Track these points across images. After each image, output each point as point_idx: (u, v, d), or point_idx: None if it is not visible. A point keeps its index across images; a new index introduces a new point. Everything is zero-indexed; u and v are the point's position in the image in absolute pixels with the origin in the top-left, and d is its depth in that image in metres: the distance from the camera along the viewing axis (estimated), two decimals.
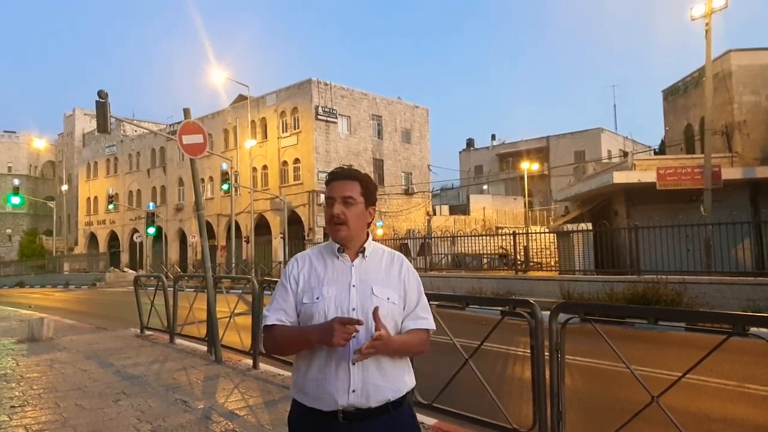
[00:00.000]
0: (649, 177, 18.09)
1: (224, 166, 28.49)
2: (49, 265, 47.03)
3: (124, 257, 46.73)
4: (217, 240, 37.30)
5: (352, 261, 1.86)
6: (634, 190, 19.17)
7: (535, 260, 17.91)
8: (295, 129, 33.91)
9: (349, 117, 34.86)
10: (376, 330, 1.67)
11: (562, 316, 3.59)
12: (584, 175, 25.70)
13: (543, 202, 42.65)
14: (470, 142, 53.38)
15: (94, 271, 40.10)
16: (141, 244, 39.32)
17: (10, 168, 65.18)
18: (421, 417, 3.99)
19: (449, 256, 20.73)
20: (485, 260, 20.22)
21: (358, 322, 1.66)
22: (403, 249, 21.69)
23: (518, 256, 17.46)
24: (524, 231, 20.29)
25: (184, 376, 6.10)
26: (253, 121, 35.26)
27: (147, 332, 9.19)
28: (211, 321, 7.00)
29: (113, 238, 49.04)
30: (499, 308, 4.49)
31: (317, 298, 1.80)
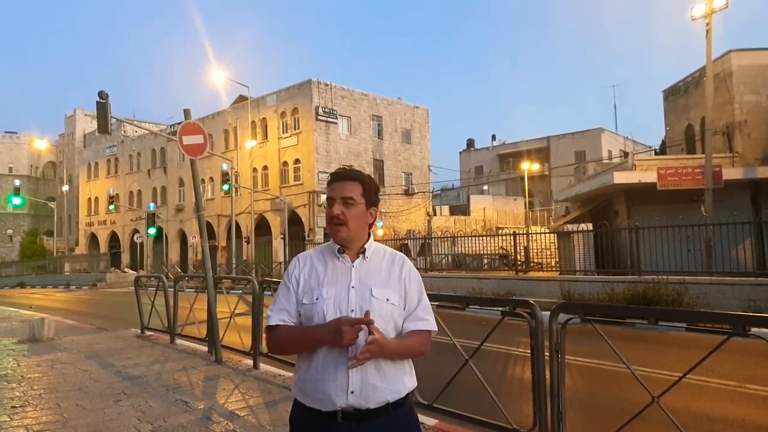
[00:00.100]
0: (650, 177, 18.09)
1: (224, 167, 28.50)
2: (49, 265, 47.09)
3: (125, 258, 46.77)
4: (218, 240, 37.32)
5: (353, 262, 1.86)
6: (635, 190, 19.17)
7: (536, 260, 17.90)
8: (295, 129, 33.93)
9: (350, 117, 34.88)
10: (369, 334, 1.67)
11: (563, 317, 3.59)
12: (585, 176, 25.73)
13: (543, 202, 42.66)
14: (470, 143, 53.40)
15: (94, 271, 40.15)
16: (141, 244, 39.35)
17: (11, 168, 65.24)
18: (421, 417, 3.98)
19: (449, 257, 20.73)
20: (485, 261, 20.21)
21: (365, 322, 1.67)
22: (404, 249, 21.69)
23: (518, 257, 17.46)
24: (525, 231, 20.31)
25: (185, 376, 6.10)
26: (253, 122, 35.28)
27: (147, 333, 9.19)
28: (212, 321, 7.00)
29: (114, 238, 49.09)
30: (500, 309, 4.49)
31: (316, 299, 1.80)
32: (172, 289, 8.66)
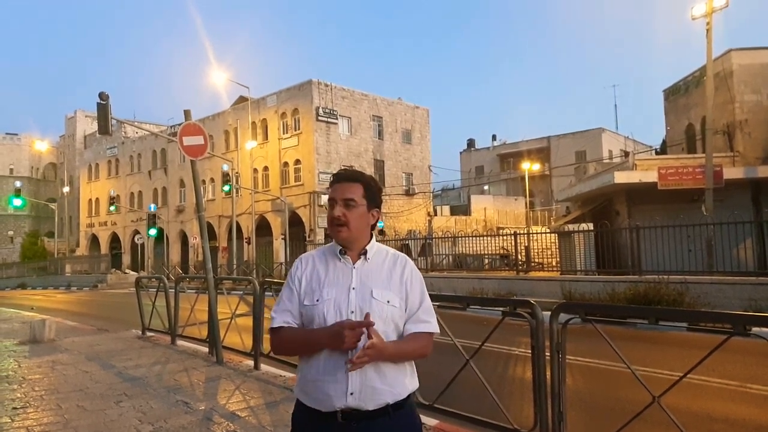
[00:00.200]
0: (651, 177, 18.08)
1: (225, 168, 28.52)
2: (50, 266, 47.14)
3: (126, 259, 46.79)
4: (219, 241, 37.33)
5: (354, 263, 1.86)
6: (636, 190, 19.16)
7: (537, 260, 17.89)
8: (295, 130, 33.94)
9: (350, 118, 34.89)
10: (368, 338, 1.66)
11: (563, 317, 3.59)
12: (585, 176, 25.73)
13: (544, 202, 42.65)
14: (471, 143, 53.38)
15: (95, 272, 40.21)
16: (142, 245, 39.37)
17: (11, 170, 65.34)
18: (422, 418, 3.98)
19: (450, 257, 20.72)
20: (486, 261, 20.21)
21: (365, 325, 1.66)
22: (404, 250, 21.70)
23: (519, 257, 17.45)
24: (525, 231, 20.30)
25: (186, 377, 6.11)
26: (253, 123, 35.29)
27: (148, 334, 9.20)
28: (213, 322, 7.00)
29: (115, 239, 49.12)
30: (500, 309, 4.48)
31: (317, 300, 1.80)
32: (173, 290, 8.66)
